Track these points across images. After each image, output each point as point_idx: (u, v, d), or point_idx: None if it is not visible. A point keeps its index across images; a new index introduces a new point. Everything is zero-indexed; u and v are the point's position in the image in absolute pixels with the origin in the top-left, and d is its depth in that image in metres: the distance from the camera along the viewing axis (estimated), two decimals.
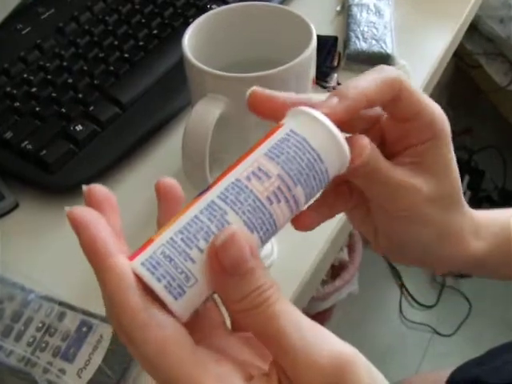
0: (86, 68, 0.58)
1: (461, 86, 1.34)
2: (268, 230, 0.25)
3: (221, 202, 0.25)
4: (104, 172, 0.52)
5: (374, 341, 1.34)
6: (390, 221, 0.34)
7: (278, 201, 0.25)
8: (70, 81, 0.57)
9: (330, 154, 0.26)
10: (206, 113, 0.42)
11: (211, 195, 0.25)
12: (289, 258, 0.47)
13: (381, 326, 1.37)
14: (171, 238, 0.24)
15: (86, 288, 0.46)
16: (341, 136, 0.27)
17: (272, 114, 0.31)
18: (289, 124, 0.27)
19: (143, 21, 0.63)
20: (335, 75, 0.59)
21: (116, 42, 0.60)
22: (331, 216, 0.34)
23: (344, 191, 0.34)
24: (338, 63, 0.60)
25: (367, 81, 0.30)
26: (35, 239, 0.50)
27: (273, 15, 0.50)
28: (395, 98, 0.30)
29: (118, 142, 0.53)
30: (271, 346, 0.24)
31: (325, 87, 0.58)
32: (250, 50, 0.51)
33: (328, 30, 0.66)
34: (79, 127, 0.53)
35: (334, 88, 0.58)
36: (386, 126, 0.33)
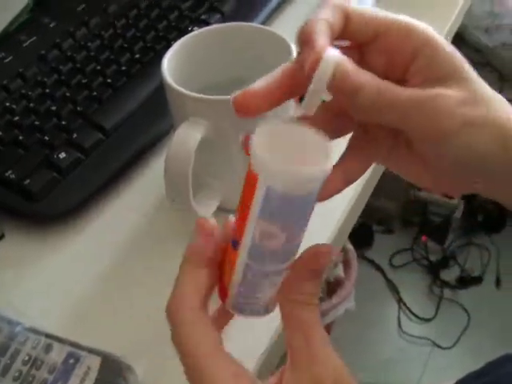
0: (68, 95, 0.58)
1: None
2: (292, 259, 0.30)
3: (255, 264, 0.30)
4: (89, 199, 0.52)
5: (374, 356, 1.33)
6: (437, 146, 0.31)
7: (293, 240, 0.29)
8: (52, 108, 0.56)
9: (312, 184, 0.27)
10: (187, 137, 0.42)
11: (243, 258, 0.30)
12: None
13: (380, 341, 1.36)
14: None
15: (73, 319, 0.46)
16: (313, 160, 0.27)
17: (260, 110, 0.32)
18: (263, 181, 0.27)
19: (125, 45, 0.63)
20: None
21: (98, 68, 0.60)
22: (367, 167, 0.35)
23: (372, 137, 0.34)
24: None
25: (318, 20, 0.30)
26: (21, 269, 0.49)
27: (253, 35, 0.50)
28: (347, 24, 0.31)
29: (102, 168, 0.53)
30: (300, 331, 0.31)
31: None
32: (232, 71, 0.51)
33: None
34: (63, 155, 0.52)
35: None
36: (376, 67, 0.32)
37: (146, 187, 0.54)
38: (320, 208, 0.48)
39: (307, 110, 0.30)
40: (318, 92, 0.29)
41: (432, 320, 1.39)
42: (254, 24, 0.54)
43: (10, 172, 0.51)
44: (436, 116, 0.30)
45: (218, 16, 0.67)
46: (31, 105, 0.57)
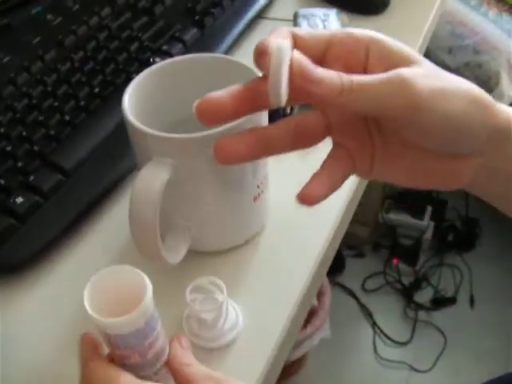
0: (24, 134, 0.54)
1: None
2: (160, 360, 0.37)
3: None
4: (50, 246, 0.48)
5: (351, 383, 1.30)
6: (415, 117, 0.33)
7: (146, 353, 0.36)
8: (8, 149, 0.53)
9: (135, 323, 0.34)
10: (152, 179, 0.39)
11: None
12: (257, 324, 0.43)
13: (357, 367, 1.33)
14: None
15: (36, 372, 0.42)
16: None
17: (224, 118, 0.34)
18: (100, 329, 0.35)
19: (84, 79, 0.60)
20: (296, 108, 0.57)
21: (56, 104, 0.57)
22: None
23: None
24: (291, 110, 0.58)
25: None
26: None
27: (218, 66, 0.47)
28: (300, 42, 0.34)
29: (63, 212, 0.50)
30: None
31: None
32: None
33: None
34: (20, 199, 0.49)
35: None
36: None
37: (110, 230, 0.51)
38: (300, 239, 0.45)
39: (275, 100, 0.31)
40: (279, 79, 0.31)
41: (408, 343, 1.37)
42: (219, 55, 0.52)
43: None
44: (406, 86, 0.32)
45: (179, 46, 0.64)
46: None
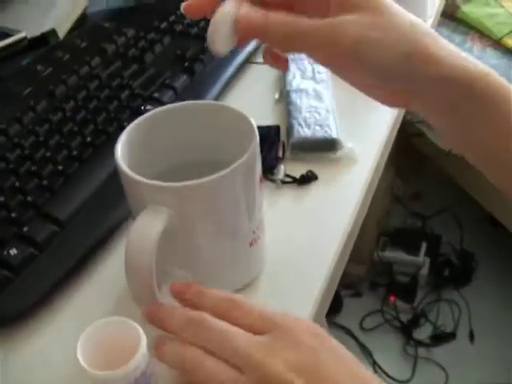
0: (17, 184, 0.54)
1: (406, 153, 1.35)
2: None
3: None
4: (45, 298, 0.47)
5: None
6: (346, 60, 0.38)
7: None
8: (0, 199, 0.53)
9: (127, 377, 0.35)
10: (147, 229, 0.39)
11: None
12: None
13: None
14: None
15: None
16: None
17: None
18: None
19: (75, 129, 0.60)
20: (282, 166, 0.57)
21: (48, 154, 0.57)
22: None
23: None
24: (283, 153, 0.59)
25: None
26: None
27: (211, 113, 0.48)
28: None
29: (58, 263, 0.49)
30: None
31: (273, 180, 0.56)
32: (191, 152, 0.48)
33: (269, 120, 0.64)
34: (14, 251, 0.48)
35: (282, 181, 0.56)
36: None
37: (107, 280, 0.50)
38: (299, 281, 0.44)
39: (217, 49, 0.37)
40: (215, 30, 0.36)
41: (409, 381, 1.35)
42: (210, 101, 0.52)
43: None
44: (334, 34, 0.36)
45: (170, 93, 0.65)
46: None
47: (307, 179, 0.56)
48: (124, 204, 0.51)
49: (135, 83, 0.66)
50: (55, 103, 0.64)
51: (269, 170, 0.57)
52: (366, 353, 1.42)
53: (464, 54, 0.38)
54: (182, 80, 0.67)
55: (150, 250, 0.38)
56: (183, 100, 0.64)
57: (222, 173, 0.39)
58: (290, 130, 0.60)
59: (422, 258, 1.46)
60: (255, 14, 0.37)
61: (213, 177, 0.39)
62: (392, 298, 1.48)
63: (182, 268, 0.45)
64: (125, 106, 0.63)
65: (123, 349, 0.34)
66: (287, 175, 0.57)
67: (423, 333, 1.45)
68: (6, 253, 0.48)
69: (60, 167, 0.56)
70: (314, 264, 0.50)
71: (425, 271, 1.47)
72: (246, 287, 0.48)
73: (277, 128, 0.61)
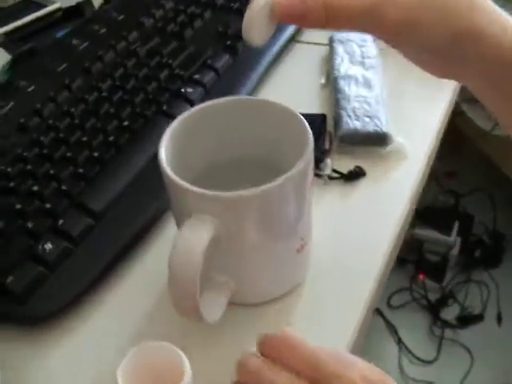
0: (52, 172, 0.52)
1: (445, 132, 1.30)
2: None
3: None
4: (81, 296, 0.46)
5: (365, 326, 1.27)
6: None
7: None
8: (34, 188, 0.51)
9: None
10: (193, 241, 0.36)
11: None
12: None
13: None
14: None
15: None
16: None
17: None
18: None
19: (112, 111, 0.57)
20: (329, 160, 0.54)
21: (84, 139, 0.54)
22: None
23: None
24: (330, 146, 0.55)
25: None
26: (10, 374, 0.43)
27: (258, 109, 0.45)
28: None
29: (94, 258, 0.47)
30: None
31: (319, 176, 0.53)
32: (236, 149, 0.46)
33: (313, 106, 0.61)
34: (49, 246, 0.46)
35: (329, 177, 0.53)
36: None
37: (144, 278, 0.48)
38: (346, 286, 0.40)
39: (254, 41, 0.35)
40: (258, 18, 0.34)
41: (434, 362, 1.34)
42: (258, 98, 0.49)
43: None
44: (377, 16, 0.35)
45: (211, 74, 0.62)
46: (11, 184, 0.51)
47: (355, 175, 0.53)
48: (163, 194, 0.49)
49: (175, 62, 0.62)
50: (91, 82, 0.61)
51: (315, 165, 0.54)
52: (391, 330, 1.40)
53: None
54: (223, 60, 0.63)
55: (196, 264, 0.36)
56: (225, 81, 0.62)
57: (275, 183, 0.37)
58: (337, 120, 0.57)
59: (453, 238, 1.42)
60: (293, 3, 0.35)
61: (264, 187, 0.36)
62: (421, 277, 1.45)
63: (225, 274, 0.42)
64: (164, 88, 0.60)
65: (165, 375, 0.33)
66: (334, 170, 0.54)
67: (450, 313, 1.43)
68: (41, 248, 0.46)
69: (96, 154, 0.53)
70: (362, 265, 0.48)
71: (455, 251, 1.44)
72: (289, 293, 0.46)
73: (323, 117, 0.58)
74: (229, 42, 0.65)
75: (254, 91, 0.61)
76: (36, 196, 0.50)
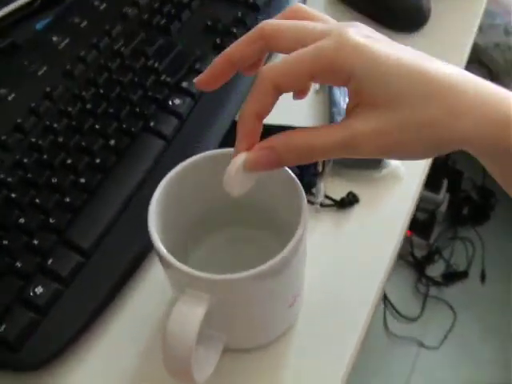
0: (37, 201, 0.50)
1: None
2: None
3: None
4: (76, 338, 0.46)
5: (360, 357, 1.31)
6: None
7: None
8: (21, 221, 0.49)
9: None
10: (187, 319, 0.36)
11: None
12: None
13: (366, 341, 1.35)
14: None
15: None
16: None
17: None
18: None
19: (97, 127, 0.55)
20: (322, 185, 0.53)
21: (69, 161, 0.52)
22: None
23: None
24: (323, 168, 0.54)
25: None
26: None
27: None
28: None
29: (86, 298, 0.47)
30: None
31: (311, 203, 0.52)
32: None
33: (306, 116, 0.59)
34: (39, 289, 0.46)
35: (321, 204, 0.52)
36: None
37: (137, 315, 0.48)
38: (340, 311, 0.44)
39: (234, 193, 0.37)
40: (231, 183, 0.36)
41: (418, 319, 1.38)
42: None
43: None
44: (354, 148, 0.34)
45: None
46: None
47: (348, 203, 0.52)
48: None
49: (161, 66, 0.59)
50: (74, 90, 0.58)
51: (307, 190, 0.52)
52: None
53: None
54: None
55: (190, 340, 0.36)
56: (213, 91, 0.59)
57: (269, 264, 0.36)
58: (331, 120, 0.55)
59: (442, 196, 1.43)
60: (262, 156, 0.35)
61: (258, 270, 0.36)
62: (408, 233, 1.47)
63: (217, 330, 0.42)
64: (150, 98, 0.57)
65: None
66: (327, 196, 0.53)
67: (436, 270, 1.46)
68: (31, 293, 0.45)
69: (82, 180, 0.51)
70: (356, 295, 0.48)
71: (443, 207, 1.45)
72: (285, 332, 0.46)
73: None
74: (218, 40, 0.62)
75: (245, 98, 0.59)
76: (22, 230, 0.49)
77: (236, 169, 0.35)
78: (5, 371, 0.45)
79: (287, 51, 0.35)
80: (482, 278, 1.43)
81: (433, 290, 1.42)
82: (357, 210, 0.53)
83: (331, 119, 0.55)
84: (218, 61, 0.37)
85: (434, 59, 0.34)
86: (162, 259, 0.37)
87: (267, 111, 0.35)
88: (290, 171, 0.40)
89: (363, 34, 0.34)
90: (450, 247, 1.48)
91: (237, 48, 0.37)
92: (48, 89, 0.58)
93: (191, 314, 0.36)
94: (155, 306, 0.48)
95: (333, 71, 0.33)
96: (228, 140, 0.56)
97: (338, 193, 0.53)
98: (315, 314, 0.47)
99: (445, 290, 1.43)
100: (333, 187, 0.53)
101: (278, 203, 0.43)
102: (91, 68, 0.60)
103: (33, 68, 0.60)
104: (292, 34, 0.35)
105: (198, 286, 0.36)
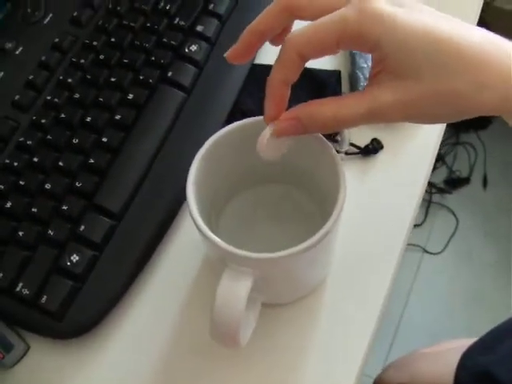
0: (61, 164, 0.49)
1: None
2: None
3: None
4: (116, 301, 0.47)
5: None
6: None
7: None
8: (47, 187, 0.49)
9: None
10: (234, 296, 0.37)
11: None
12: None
13: None
14: None
15: None
16: None
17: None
18: None
19: (113, 79, 0.53)
20: (346, 133, 0.52)
21: (88, 119, 0.51)
22: None
23: None
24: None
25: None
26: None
27: None
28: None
29: (122, 261, 0.47)
30: None
31: (337, 151, 0.51)
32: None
33: (324, 62, 0.57)
34: (74, 257, 0.46)
35: (346, 153, 0.52)
36: None
37: (173, 272, 0.49)
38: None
39: (269, 158, 0.38)
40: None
41: (420, 225, 1.41)
42: None
43: (20, 286, 0.45)
44: (378, 118, 0.35)
45: (215, 23, 0.56)
46: (20, 182, 0.49)
47: (373, 150, 0.52)
48: (180, 181, 0.48)
49: (173, 7, 0.56)
50: (83, 39, 0.55)
51: (331, 135, 0.52)
52: None
53: None
54: (226, 3, 0.57)
55: (238, 317, 0.37)
56: (230, 31, 0.57)
57: (308, 242, 0.36)
58: (353, 82, 0.54)
59: None
60: (288, 126, 0.36)
61: (299, 247, 0.36)
62: None
63: (258, 294, 0.43)
64: (165, 45, 0.55)
65: None
66: (352, 144, 0.52)
67: (439, 177, 1.47)
68: (68, 262, 0.46)
69: (104, 139, 0.50)
70: (384, 239, 0.49)
71: None
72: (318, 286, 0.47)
73: (337, 75, 0.55)
74: None
75: None
76: (49, 195, 0.49)
77: (267, 135, 0.37)
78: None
79: (312, 19, 0.35)
80: (484, 183, 1.45)
81: (435, 197, 1.44)
82: (381, 156, 0.52)
83: (354, 83, 0.53)
84: (245, 35, 0.37)
85: (464, 24, 0.34)
86: (202, 235, 0.37)
87: (293, 78, 0.36)
88: (324, 138, 0.40)
89: (388, 1, 0.33)
90: (453, 153, 1.49)
91: (261, 21, 0.37)
92: (56, 39, 0.55)
93: (238, 289, 0.37)
94: (189, 262, 0.49)
95: (357, 40, 0.34)
96: (247, 85, 0.55)
97: (361, 139, 0.52)
98: (345, 264, 0.48)
99: (447, 197, 1.45)
100: (356, 134, 0.52)
101: (315, 167, 0.43)
102: (99, 14, 0.57)
103: (37, 17, 0.57)
104: (315, 2, 0.35)
105: (242, 263, 0.37)
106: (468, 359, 0.67)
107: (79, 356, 0.46)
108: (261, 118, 0.41)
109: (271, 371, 0.45)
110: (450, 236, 1.38)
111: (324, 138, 0.40)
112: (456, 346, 0.71)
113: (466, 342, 0.70)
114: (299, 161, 0.43)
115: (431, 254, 1.37)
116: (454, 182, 1.45)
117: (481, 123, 1.50)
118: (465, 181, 1.45)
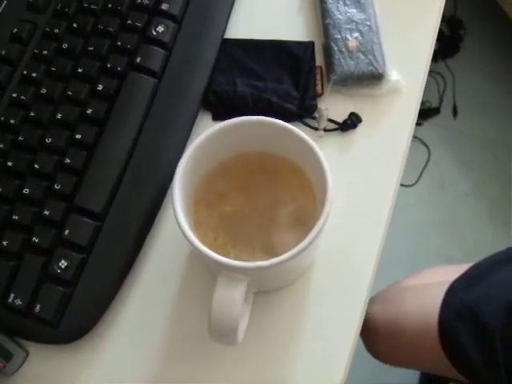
0: (37, 166, 0.48)
1: None
2: None
3: None
4: (109, 300, 0.47)
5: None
6: None
7: None
8: (25, 191, 0.48)
9: None
10: (229, 302, 0.37)
11: None
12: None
13: None
14: None
15: None
16: None
17: None
18: None
19: (80, 70, 0.51)
20: (324, 110, 0.51)
21: (59, 116, 0.50)
22: None
23: None
24: (322, 89, 0.52)
25: None
26: None
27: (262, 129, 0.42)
28: None
29: (111, 260, 0.47)
30: None
31: (316, 129, 0.51)
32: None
33: (295, 25, 0.55)
34: (63, 263, 0.46)
35: (325, 129, 0.51)
36: None
37: (163, 266, 0.49)
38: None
39: None
40: None
41: None
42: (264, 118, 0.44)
43: (12, 297, 0.45)
44: None
45: (180, 1, 0.54)
46: None
47: (352, 124, 0.52)
48: (160, 173, 0.48)
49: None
50: (44, 27, 0.53)
51: (307, 113, 0.51)
52: None
53: None
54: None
55: (235, 320, 0.38)
56: (196, 7, 0.55)
57: (299, 247, 0.37)
58: (328, 57, 0.52)
59: None
60: None
61: (289, 254, 0.37)
62: None
63: (252, 287, 0.44)
64: (129, 27, 0.52)
65: None
66: (330, 120, 0.52)
67: None
68: (57, 269, 0.46)
69: (77, 136, 0.49)
70: (370, 217, 0.50)
71: None
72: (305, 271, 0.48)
73: (312, 46, 0.53)
74: None
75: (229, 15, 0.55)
76: (28, 200, 0.48)
77: None
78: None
79: None
80: (454, 112, 1.45)
81: None
82: (360, 130, 0.52)
83: (325, 32, 0.52)
84: None
85: None
86: (194, 248, 0.38)
87: None
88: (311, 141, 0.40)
89: None
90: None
91: None
92: (15, 30, 0.53)
93: (233, 295, 0.37)
94: (178, 253, 0.49)
95: None
96: (219, 62, 0.53)
97: (338, 114, 0.52)
98: (333, 239, 0.48)
99: (418, 128, 1.45)
100: (334, 109, 0.52)
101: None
102: None
103: None
104: None
105: (235, 272, 0.37)
106: (451, 296, 0.68)
107: (78, 358, 0.47)
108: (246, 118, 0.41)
109: (265, 353, 0.46)
110: (422, 168, 1.40)
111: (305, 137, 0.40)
112: (439, 280, 0.71)
113: (447, 271, 0.72)
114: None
115: (405, 186, 1.39)
116: (425, 113, 1.45)
117: (448, 51, 1.49)
118: (435, 111, 1.46)
